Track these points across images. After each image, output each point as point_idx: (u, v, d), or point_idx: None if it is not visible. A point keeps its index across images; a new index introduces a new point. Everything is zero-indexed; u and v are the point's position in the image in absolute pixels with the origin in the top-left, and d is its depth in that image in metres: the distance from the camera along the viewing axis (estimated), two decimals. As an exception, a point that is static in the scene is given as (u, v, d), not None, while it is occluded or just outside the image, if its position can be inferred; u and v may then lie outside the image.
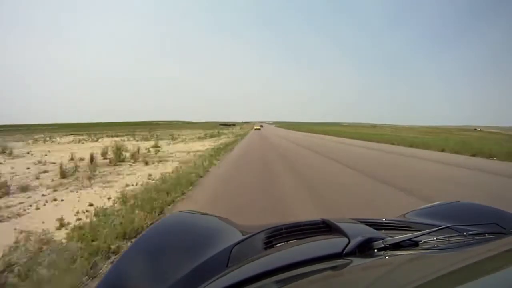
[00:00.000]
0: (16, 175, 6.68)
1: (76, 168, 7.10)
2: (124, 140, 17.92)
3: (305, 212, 3.47)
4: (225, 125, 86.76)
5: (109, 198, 4.41)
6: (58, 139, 22.88)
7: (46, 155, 11.01)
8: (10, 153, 11.01)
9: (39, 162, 8.85)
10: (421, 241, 0.64)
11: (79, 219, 3.45)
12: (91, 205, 4.00)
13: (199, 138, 21.88)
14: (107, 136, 27.38)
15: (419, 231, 0.68)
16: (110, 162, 8.53)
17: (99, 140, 21.21)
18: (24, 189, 5.15)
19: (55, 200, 4.45)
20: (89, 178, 6.00)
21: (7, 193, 4.87)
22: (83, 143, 18.75)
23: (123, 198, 3.93)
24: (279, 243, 0.75)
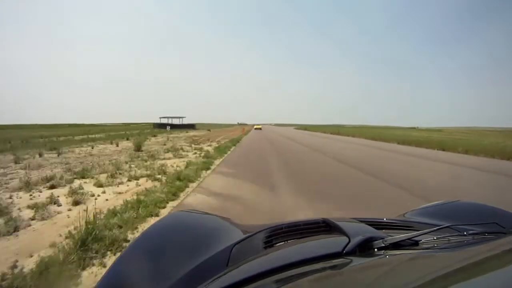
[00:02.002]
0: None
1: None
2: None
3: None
4: (168, 126, 38.58)
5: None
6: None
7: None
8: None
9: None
10: (421, 240, 0.64)
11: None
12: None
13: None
14: None
15: (419, 230, 0.68)
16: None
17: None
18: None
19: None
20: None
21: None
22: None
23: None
24: (279, 242, 0.74)
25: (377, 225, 0.80)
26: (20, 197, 4.19)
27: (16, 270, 2.11)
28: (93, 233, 2.48)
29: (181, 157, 8.88)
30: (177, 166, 6.91)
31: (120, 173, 5.89)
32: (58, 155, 9.19)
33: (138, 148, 10.74)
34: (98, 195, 4.32)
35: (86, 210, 2.78)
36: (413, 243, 0.63)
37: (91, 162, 7.63)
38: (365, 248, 0.60)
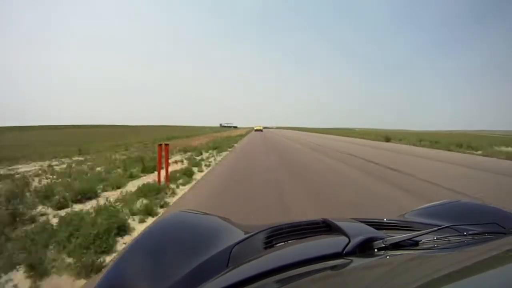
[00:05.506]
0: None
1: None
2: None
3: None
4: None
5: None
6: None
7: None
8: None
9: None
10: (421, 240, 0.64)
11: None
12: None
13: None
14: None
15: (420, 230, 0.68)
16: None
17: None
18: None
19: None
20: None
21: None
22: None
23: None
24: (279, 242, 0.74)
25: (377, 225, 0.80)
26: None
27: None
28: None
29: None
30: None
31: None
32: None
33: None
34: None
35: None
36: (413, 243, 0.63)
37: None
38: (365, 248, 0.60)
